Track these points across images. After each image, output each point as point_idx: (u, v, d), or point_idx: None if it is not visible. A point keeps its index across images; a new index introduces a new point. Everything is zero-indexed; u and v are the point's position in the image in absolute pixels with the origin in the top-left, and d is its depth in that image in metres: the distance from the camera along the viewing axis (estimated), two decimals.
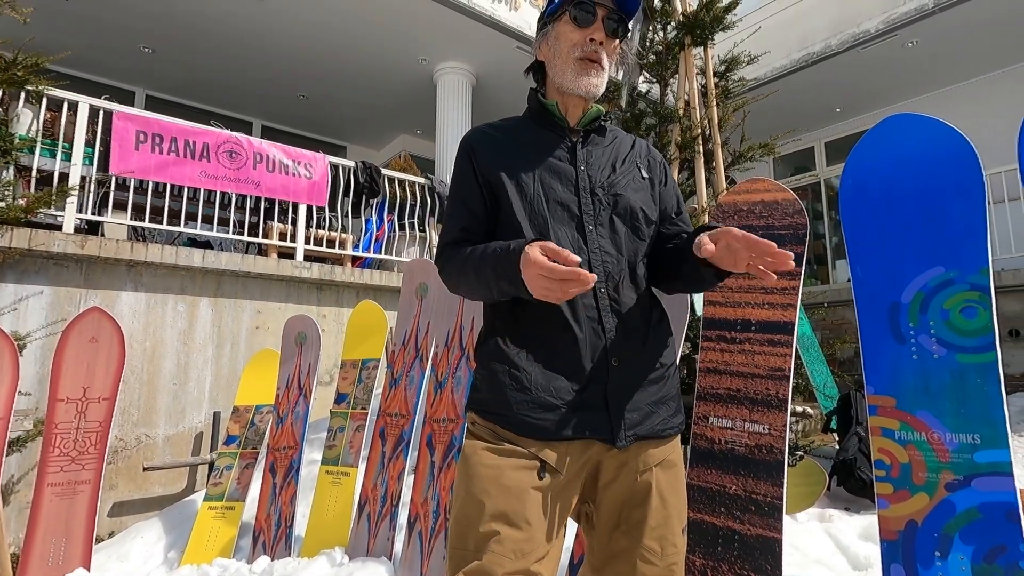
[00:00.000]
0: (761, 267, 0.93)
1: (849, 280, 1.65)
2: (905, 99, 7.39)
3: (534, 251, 0.89)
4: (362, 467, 2.63)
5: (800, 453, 2.77)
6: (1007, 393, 5.18)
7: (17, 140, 3.44)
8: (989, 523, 1.28)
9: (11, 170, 3.55)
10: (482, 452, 1.00)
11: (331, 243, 5.15)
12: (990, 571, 1.26)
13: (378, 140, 9.04)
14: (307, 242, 4.93)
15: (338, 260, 5.16)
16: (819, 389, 3.44)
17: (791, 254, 0.90)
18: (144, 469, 3.64)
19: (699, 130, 3.20)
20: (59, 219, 3.79)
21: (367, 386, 2.80)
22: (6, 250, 3.25)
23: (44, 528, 2.49)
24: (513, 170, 1.08)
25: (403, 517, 2.38)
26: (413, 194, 5.81)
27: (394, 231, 5.65)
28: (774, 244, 0.90)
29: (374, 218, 5.58)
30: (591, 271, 1.03)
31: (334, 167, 5.25)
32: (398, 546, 2.34)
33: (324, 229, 5.17)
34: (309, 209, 5.01)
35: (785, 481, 1.60)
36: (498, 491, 0.94)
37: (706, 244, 0.98)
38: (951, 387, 1.39)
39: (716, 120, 3.26)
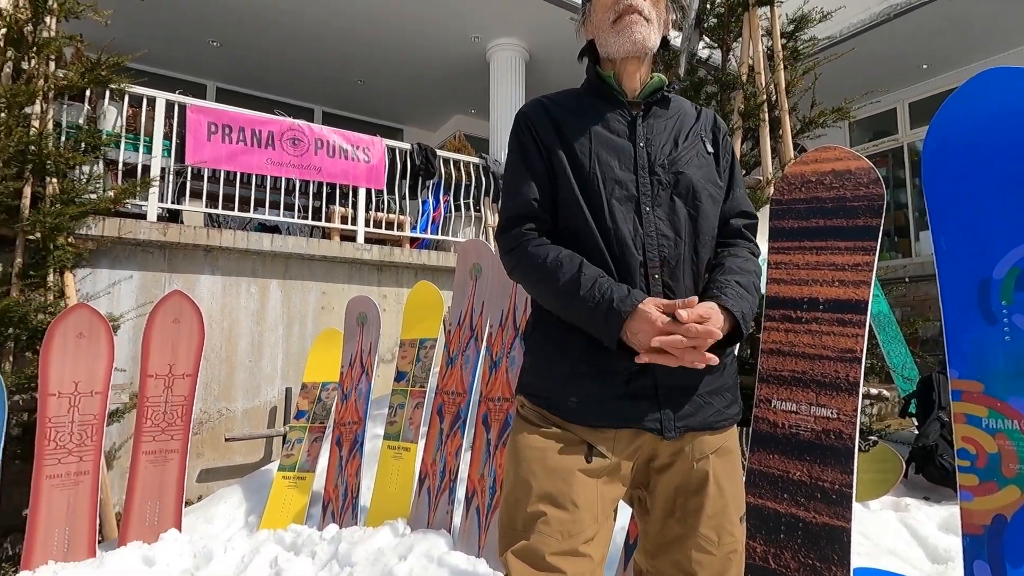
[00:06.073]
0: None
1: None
2: (1006, 50, 6.63)
3: (652, 309, 0.91)
4: (421, 443, 2.71)
5: (874, 438, 2.62)
6: None
7: (104, 136, 3.71)
8: None
9: (100, 164, 3.84)
10: (529, 434, 1.00)
11: (390, 225, 5.28)
12: None
13: (433, 121, 9.11)
14: (367, 225, 5.07)
15: (397, 242, 5.29)
16: (896, 371, 3.22)
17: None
18: (226, 440, 3.93)
19: (764, 96, 3.01)
20: (143, 208, 4.08)
21: (425, 365, 2.87)
22: (99, 238, 3.54)
23: (141, 492, 2.74)
24: (569, 147, 1.05)
25: (461, 492, 2.45)
26: (468, 174, 5.84)
27: (450, 212, 5.71)
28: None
29: (430, 199, 5.66)
30: (645, 254, 1.00)
31: (391, 150, 5.35)
32: (457, 520, 2.41)
33: (383, 212, 5.30)
34: (368, 192, 5.14)
35: (855, 468, 1.52)
36: (544, 473, 0.94)
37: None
38: None
39: (783, 85, 3.05)
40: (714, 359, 0.90)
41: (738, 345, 1.09)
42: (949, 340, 1.42)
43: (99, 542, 2.66)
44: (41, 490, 2.48)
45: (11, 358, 2.98)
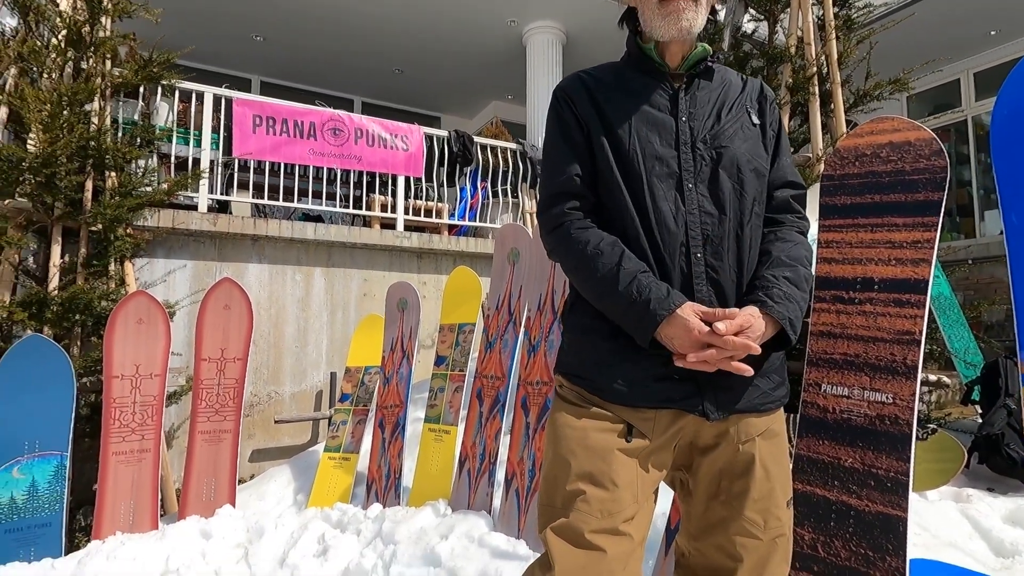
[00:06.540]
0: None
1: (1001, 232, 1.41)
2: None
3: (690, 317, 0.90)
4: (461, 426, 2.75)
5: (933, 426, 2.49)
6: None
7: (158, 131, 3.86)
8: None
9: (154, 158, 4.01)
10: (568, 414, 0.99)
11: (428, 213, 5.32)
12: None
13: (470, 108, 9.11)
14: (406, 212, 5.13)
15: (435, 229, 5.33)
16: (958, 356, 3.05)
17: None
18: (275, 422, 4.08)
19: (814, 69, 2.87)
20: (195, 200, 4.25)
21: (464, 349, 2.90)
22: (155, 229, 3.71)
23: (198, 470, 2.88)
24: (608, 123, 1.02)
25: (500, 474, 2.47)
26: (505, 160, 5.82)
27: (488, 198, 5.71)
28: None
29: (468, 186, 5.68)
30: (687, 233, 0.97)
31: (429, 138, 5.37)
32: (496, 501, 2.44)
33: (422, 199, 5.34)
34: (407, 180, 5.19)
35: (912, 456, 1.45)
36: (583, 452, 0.94)
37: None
38: None
39: (835, 56, 2.90)
40: (747, 370, 0.89)
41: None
42: (1020, 322, 1.33)
43: (161, 516, 2.81)
44: (108, 465, 2.64)
45: (79, 343, 3.17)
